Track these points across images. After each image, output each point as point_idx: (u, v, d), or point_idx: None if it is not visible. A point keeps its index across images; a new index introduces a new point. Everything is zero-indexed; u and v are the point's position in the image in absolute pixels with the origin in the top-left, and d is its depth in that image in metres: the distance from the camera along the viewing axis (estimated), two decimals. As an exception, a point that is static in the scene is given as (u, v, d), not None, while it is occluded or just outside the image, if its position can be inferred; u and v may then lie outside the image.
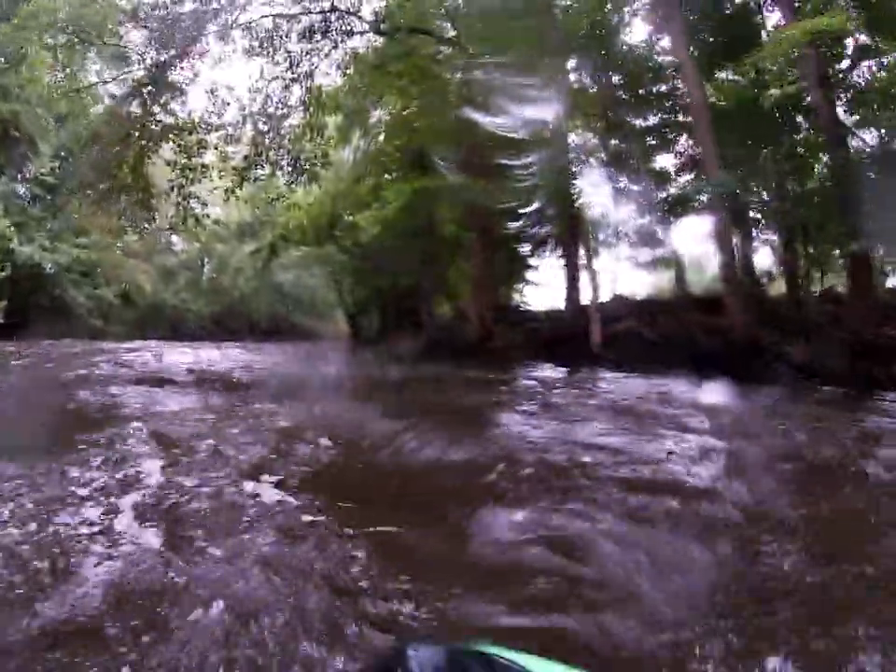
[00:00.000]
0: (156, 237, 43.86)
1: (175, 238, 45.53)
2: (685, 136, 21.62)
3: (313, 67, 15.24)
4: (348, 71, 16.54)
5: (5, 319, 23.32)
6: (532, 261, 25.83)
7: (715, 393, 9.84)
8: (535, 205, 22.45)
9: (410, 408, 8.78)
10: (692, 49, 16.33)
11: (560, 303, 22.20)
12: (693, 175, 21.42)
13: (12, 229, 24.94)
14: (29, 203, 34.13)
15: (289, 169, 15.12)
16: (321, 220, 23.44)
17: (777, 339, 14.48)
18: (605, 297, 26.37)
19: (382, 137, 21.20)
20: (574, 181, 18.61)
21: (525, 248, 24.32)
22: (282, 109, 14.70)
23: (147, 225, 15.47)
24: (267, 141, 14.58)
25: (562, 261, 21.73)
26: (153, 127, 13.77)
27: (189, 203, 14.69)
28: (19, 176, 32.50)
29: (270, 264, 28.95)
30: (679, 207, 20.53)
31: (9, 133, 28.37)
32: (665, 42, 18.87)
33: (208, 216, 15.24)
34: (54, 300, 30.67)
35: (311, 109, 15.03)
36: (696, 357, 13.28)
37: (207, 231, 35.75)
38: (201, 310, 40.23)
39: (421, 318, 26.25)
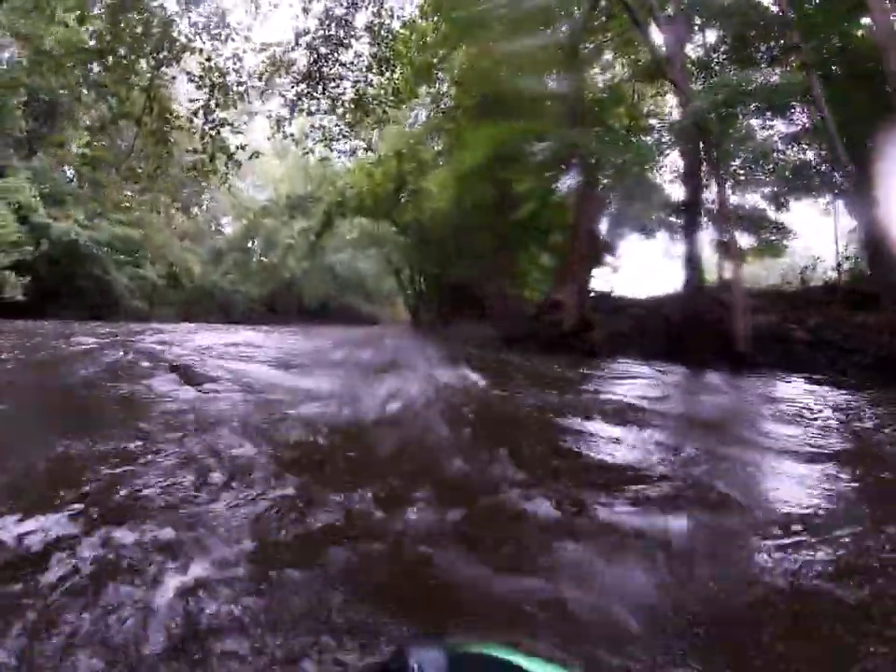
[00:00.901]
0: (203, 216, 41.30)
1: (224, 219, 42.72)
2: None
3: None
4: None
5: (29, 298, 20.12)
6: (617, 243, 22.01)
7: None
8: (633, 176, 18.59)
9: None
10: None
11: (645, 290, 18.40)
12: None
13: (37, 199, 21.68)
14: (72, 179, 31.57)
15: (352, 106, 11.16)
16: (384, 186, 19.28)
17: None
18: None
19: (454, 90, 17.05)
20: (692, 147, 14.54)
21: (615, 228, 20.40)
22: (345, 32, 10.78)
23: (161, 163, 11.23)
24: (326, 69, 10.63)
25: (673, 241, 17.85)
26: (172, 32, 9.86)
27: (218, 132, 10.56)
28: (57, 152, 29.55)
29: (323, 239, 24.69)
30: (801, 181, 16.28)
31: (48, 106, 25.30)
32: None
33: (243, 148, 11.00)
34: (95, 280, 27.60)
35: (380, 36, 11.14)
36: (876, 363, 9.97)
37: (256, 209, 32.55)
38: (250, 292, 37.20)
39: (486, 305, 22.52)
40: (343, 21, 10.91)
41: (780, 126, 16.61)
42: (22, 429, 4.14)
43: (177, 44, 9.87)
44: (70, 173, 31.45)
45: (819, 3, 13.22)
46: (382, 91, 11.27)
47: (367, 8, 11.24)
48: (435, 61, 16.68)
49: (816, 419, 5.48)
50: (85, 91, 11.10)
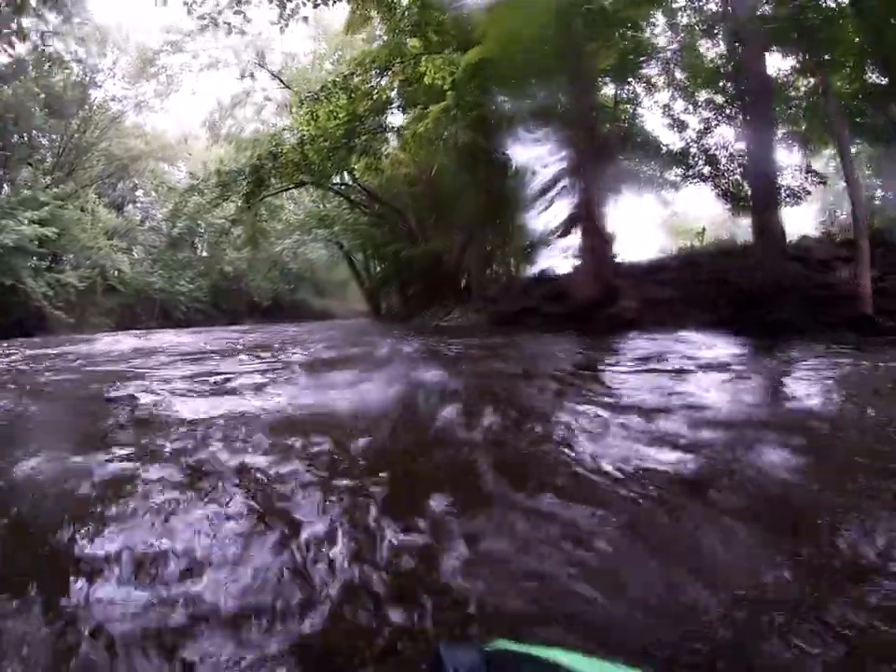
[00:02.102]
0: (137, 212, 36.19)
1: (159, 213, 37.35)
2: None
3: None
4: None
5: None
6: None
7: None
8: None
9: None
10: None
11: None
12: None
13: None
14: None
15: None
16: (332, 133, 14.21)
17: None
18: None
19: (415, 8, 12.60)
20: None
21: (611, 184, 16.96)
22: None
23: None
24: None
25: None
26: None
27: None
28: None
29: (253, 206, 18.88)
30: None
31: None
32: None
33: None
34: (7, 290, 22.72)
35: None
36: None
37: (181, 191, 27.41)
38: (189, 289, 32.66)
39: (465, 285, 18.79)
40: None
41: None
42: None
43: None
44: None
45: None
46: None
47: None
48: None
49: None
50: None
